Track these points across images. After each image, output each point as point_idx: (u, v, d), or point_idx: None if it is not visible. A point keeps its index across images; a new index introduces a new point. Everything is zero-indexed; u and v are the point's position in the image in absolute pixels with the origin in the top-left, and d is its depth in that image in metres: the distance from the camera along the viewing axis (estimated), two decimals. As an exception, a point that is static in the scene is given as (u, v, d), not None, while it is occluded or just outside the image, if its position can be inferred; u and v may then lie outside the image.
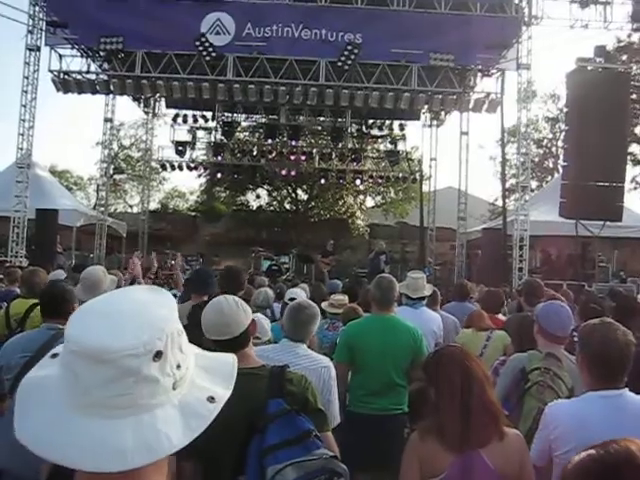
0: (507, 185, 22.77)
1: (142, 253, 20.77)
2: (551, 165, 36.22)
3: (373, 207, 34.16)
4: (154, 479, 1.14)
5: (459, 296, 8.01)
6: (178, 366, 1.16)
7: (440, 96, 17.69)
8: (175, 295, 6.94)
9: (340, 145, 23.17)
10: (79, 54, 18.58)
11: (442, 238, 24.77)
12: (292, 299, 5.64)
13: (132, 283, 11.56)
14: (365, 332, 4.89)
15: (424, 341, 4.93)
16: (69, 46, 18.13)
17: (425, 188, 25.51)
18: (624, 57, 27.06)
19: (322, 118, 23.98)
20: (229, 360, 1.32)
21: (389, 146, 24.85)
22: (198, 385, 1.19)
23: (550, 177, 33.12)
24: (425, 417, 2.93)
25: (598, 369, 2.80)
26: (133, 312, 1.14)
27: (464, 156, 22.40)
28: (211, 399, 1.17)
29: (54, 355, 1.20)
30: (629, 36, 27.14)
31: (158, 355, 1.11)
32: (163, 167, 24.54)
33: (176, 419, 1.12)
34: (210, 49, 16.74)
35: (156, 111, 25.49)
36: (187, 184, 60.52)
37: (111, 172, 27.41)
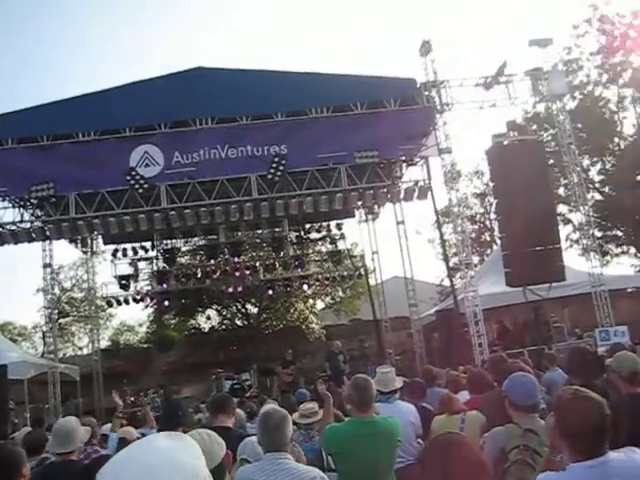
0: (451, 264, 23.25)
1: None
2: (488, 238, 37.24)
3: (324, 309, 34.20)
4: None
5: (426, 382, 8.06)
6: None
7: (371, 191, 18.07)
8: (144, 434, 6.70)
9: (282, 254, 23.43)
10: (11, 205, 18.54)
11: (397, 328, 24.85)
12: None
13: None
14: (349, 439, 4.64)
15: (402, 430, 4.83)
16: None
17: (372, 281, 25.80)
18: (534, 127, 28.53)
19: (260, 231, 24.23)
20: None
21: (330, 247, 25.22)
22: None
23: (489, 250, 33.96)
24: None
25: (579, 445, 2.74)
26: (166, 466, 1.17)
27: (404, 244, 22.79)
28: None
29: None
30: (534, 107, 28.89)
31: None
32: (109, 304, 24.20)
33: None
34: (142, 181, 16.89)
35: (94, 249, 25.35)
36: (135, 316, 59.51)
37: (56, 317, 26.87)
